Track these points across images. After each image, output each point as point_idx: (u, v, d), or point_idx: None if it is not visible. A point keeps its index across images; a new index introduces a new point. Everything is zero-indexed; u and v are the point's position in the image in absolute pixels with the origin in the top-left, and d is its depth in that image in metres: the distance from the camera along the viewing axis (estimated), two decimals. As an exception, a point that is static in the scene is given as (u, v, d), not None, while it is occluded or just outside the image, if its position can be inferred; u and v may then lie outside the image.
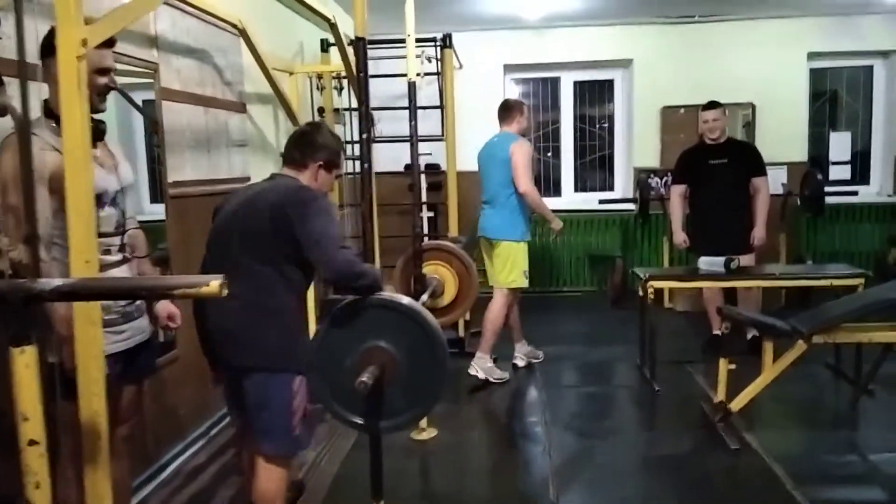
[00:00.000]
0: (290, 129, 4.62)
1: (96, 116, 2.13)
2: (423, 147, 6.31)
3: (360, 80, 2.25)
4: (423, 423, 3.48)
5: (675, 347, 4.69)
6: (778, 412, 3.73)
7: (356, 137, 5.47)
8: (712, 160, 4.54)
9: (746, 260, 4.43)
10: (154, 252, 3.23)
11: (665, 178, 6.26)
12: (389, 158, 6.45)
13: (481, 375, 4.21)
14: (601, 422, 3.79)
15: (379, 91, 6.18)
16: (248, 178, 4.20)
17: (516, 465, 3.24)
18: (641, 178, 6.19)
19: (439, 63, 5.34)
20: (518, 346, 4.59)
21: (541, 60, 6.78)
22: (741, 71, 6.40)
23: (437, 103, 5.71)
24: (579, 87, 6.99)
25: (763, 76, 6.40)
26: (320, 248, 2.13)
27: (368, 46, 5.61)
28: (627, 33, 6.58)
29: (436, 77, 5.60)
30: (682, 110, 6.49)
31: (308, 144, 2.35)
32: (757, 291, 4.56)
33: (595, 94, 7.03)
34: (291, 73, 4.41)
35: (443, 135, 5.38)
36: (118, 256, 2.15)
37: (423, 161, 6.49)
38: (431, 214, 6.70)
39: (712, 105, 4.58)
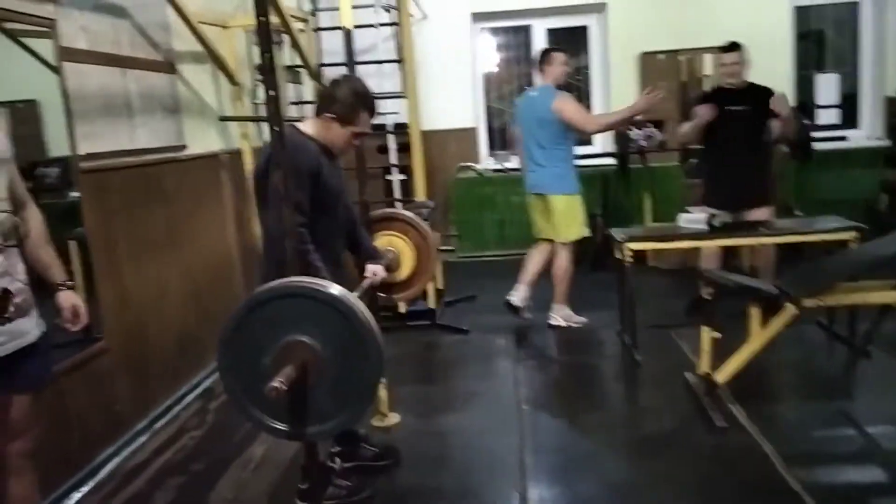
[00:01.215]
0: (232, 90, 4.24)
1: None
2: (389, 105, 5.95)
3: (259, 26, 1.86)
4: (386, 408, 3.20)
5: (659, 310, 4.41)
6: (768, 381, 3.46)
7: (307, 98, 5.15)
8: (730, 106, 4.16)
9: (761, 214, 4.15)
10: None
11: (646, 129, 5.89)
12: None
13: (562, 324, 4.39)
14: (578, 398, 3.49)
15: (335, 46, 5.79)
16: (184, 147, 3.83)
17: (486, 452, 2.94)
18: (620, 130, 5.82)
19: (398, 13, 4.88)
20: (521, 288, 4.44)
21: (511, 7, 6.35)
22: (722, 12, 6.01)
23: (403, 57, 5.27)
24: (553, 35, 6.56)
25: (745, 16, 5.99)
26: (277, 200, 2.17)
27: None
28: (601, -26, 6.15)
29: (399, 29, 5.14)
30: (661, 56, 6.09)
31: (326, 96, 2.43)
32: (770, 247, 4.22)
33: (570, 43, 6.60)
34: (226, 28, 3.99)
35: (403, 91, 4.96)
36: (-17, 246, 1.79)
37: (391, 120, 6.09)
38: (404, 177, 6.31)
39: (731, 47, 4.19)
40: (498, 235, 6.44)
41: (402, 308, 4.46)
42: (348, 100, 2.36)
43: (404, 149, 5.82)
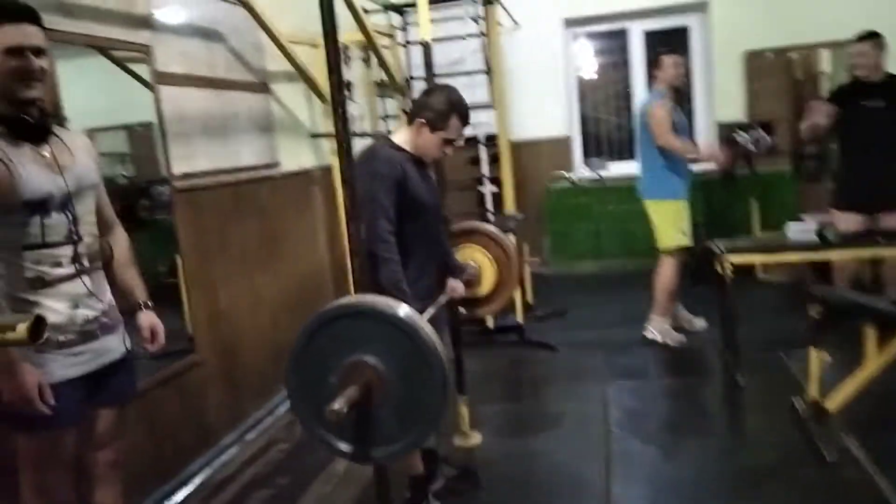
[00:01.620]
0: (323, 108, 4.31)
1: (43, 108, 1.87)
2: (482, 116, 5.90)
3: (326, 37, 1.87)
4: (467, 426, 3.13)
5: (768, 328, 4.11)
6: (887, 410, 3.10)
7: (390, 112, 5.18)
8: (865, 101, 3.84)
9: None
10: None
11: (753, 132, 5.52)
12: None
13: (659, 339, 4.19)
14: (672, 424, 3.29)
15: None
16: (277, 164, 3.94)
17: (571, 478, 2.81)
18: (724, 133, 5.50)
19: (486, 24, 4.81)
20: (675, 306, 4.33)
21: (606, 11, 6.16)
22: (839, 3, 5.55)
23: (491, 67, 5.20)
24: (651, 38, 6.31)
25: (865, 8, 5.51)
26: (363, 209, 2.16)
27: (406, 9, 5.26)
28: (703, -30, 5.86)
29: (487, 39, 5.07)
30: (769, 54, 5.72)
31: (418, 103, 2.45)
32: None
33: (669, 45, 6.30)
34: (316, 47, 4.06)
35: (491, 102, 4.89)
36: (70, 269, 1.87)
37: (482, 131, 6.05)
38: (496, 189, 6.26)
39: (861, 37, 3.89)
40: (593, 247, 6.23)
41: (490, 322, 4.38)
42: (440, 106, 2.37)
43: (497, 160, 5.75)
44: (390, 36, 4.48)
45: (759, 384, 3.44)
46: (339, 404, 1.69)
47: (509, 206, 4.93)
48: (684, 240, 4.18)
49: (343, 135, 2.03)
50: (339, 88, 2.02)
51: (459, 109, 2.41)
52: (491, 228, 3.10)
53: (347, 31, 3.89)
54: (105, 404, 2.03)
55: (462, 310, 3.12)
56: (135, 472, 2.68)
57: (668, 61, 4.11)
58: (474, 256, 3.09)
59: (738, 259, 3.47)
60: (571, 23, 6.30)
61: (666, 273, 4.18)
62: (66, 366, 1.85)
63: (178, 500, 2.85)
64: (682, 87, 4.23)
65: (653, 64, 4.26)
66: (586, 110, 6.62)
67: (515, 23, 6.11)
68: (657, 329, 4.21)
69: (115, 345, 2.00)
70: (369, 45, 3.52)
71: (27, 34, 1.76)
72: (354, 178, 2.12)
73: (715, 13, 5.89)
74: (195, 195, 3.16)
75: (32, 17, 1.78)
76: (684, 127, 4.24)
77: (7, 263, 1.77)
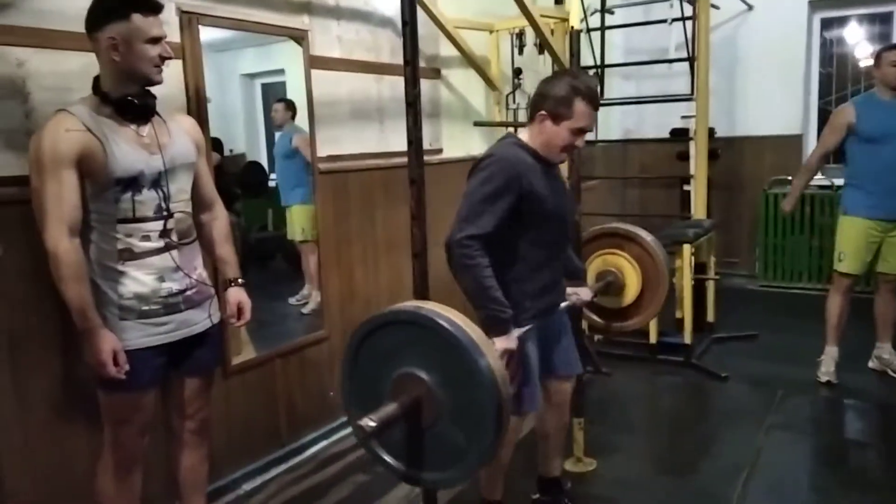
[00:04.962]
0: (497, 96, 4.19)
1: (152, 90, 2.00)
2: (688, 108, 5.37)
3: (405, 25, 1.79)
4: (581, 452, 2.86)
5: None
6: None
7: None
8: None
9: None
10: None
11: None
12: (656, 123, 5.65)
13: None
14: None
15: (633, 43, 5.44)
16: (440, 150, 3.91)
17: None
18: None
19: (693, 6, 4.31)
20: (879, 346, 3.74)
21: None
22: None
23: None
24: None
25: None
26: (460, 205, 2.14)
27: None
28: None
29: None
30: None
31: (537, 93, 2.16)
32: None
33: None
34: (492, 32, 3.94)
35: (692, 93, 4.39)
36: (159, 243, 1.98)
37: (692, 124, 5.52)
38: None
39: None
40: (811, 265, 5.39)
41: (653, 338, 3.97)
42: (561, 92, 2.06)
43: (715, 156, 5.18)
44: (564, 20, 4.17)
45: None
46: (367, 420, 1.57)
47: (699, 211, 4.41)
48: (840, 265, 3.63)
49: (413, 132, 1.93)
50: (414, 82, 1.91)
51: (585, 92, 2.06)
52: (636, 231, 2.76)
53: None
54: (189, 373, 2.14)
55: (594, 318, 2.84)
56: (250, 434, 2.86)
57: (888, 58, 3.43)
58: (618, 263, 2.79)
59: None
60: (818, 5, 5.41)
61: (829, 298, 3.73)
62: (146, 335, 1.96)
63: (287, 467, 2.98)
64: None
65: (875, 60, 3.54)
66: (830, 107, 5.68)
67: (749, 6, 5.44)
68: (823, 356, 3.69)
69: (198, 319, 2.08)
70: (535, 31, 3.31)
71: (161, 24, 1.91)
72: (414, 181, 1.98)
73: None
74: (340, 178, 3.24)
75: (159, 9, 1.92)
76: None
77: (102, 235, 1.92)
